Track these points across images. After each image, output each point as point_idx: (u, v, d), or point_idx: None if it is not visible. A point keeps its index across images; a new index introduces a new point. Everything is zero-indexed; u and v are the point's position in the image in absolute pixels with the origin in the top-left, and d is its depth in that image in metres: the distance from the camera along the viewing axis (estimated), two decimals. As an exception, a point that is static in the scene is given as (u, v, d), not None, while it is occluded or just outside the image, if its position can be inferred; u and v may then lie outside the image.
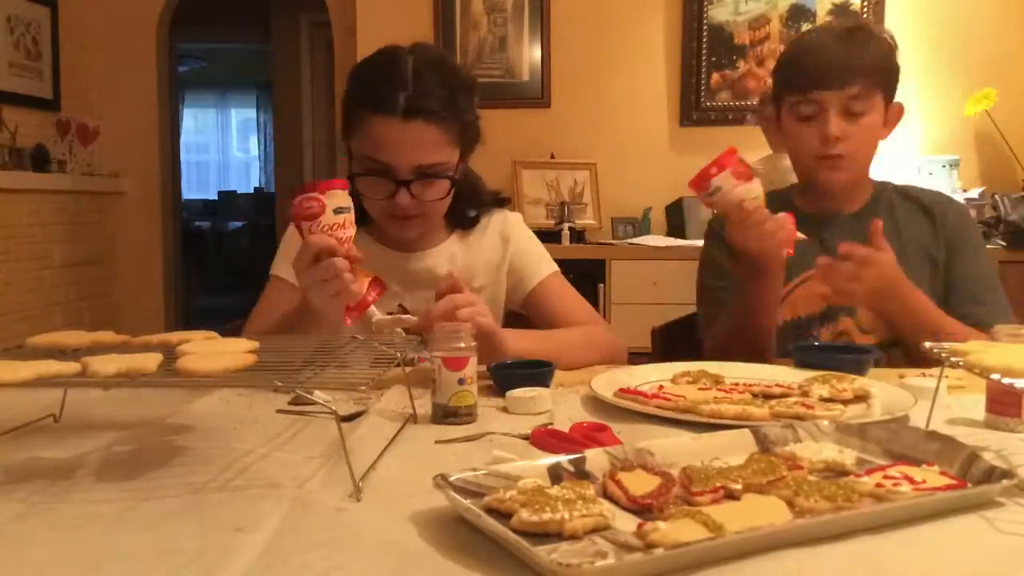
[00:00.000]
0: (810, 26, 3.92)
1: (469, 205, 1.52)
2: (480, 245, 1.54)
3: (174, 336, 0.94)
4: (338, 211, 1.15)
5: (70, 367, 0.78)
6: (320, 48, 5.84)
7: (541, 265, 1.58)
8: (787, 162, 1.67)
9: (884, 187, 1.60)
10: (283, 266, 1.49)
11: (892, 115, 1.53)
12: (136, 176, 4.64)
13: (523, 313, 1.59)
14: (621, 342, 1.51)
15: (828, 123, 1.46)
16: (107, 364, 0.78)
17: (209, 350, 0.87)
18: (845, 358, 1.26)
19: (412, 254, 1.50)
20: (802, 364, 1.26)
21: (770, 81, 1.63)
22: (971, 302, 1.49)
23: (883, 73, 1.49)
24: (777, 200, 1.62)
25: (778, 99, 1.56)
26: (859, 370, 1.22)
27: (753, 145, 3.52)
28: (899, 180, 1.69)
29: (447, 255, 1.51)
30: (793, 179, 1.68)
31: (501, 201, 1.58)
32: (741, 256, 1.37)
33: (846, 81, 1.45)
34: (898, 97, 1.53)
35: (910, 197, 1.60)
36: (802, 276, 1.52)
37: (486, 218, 1.56)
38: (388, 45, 1.43)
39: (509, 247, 1.55)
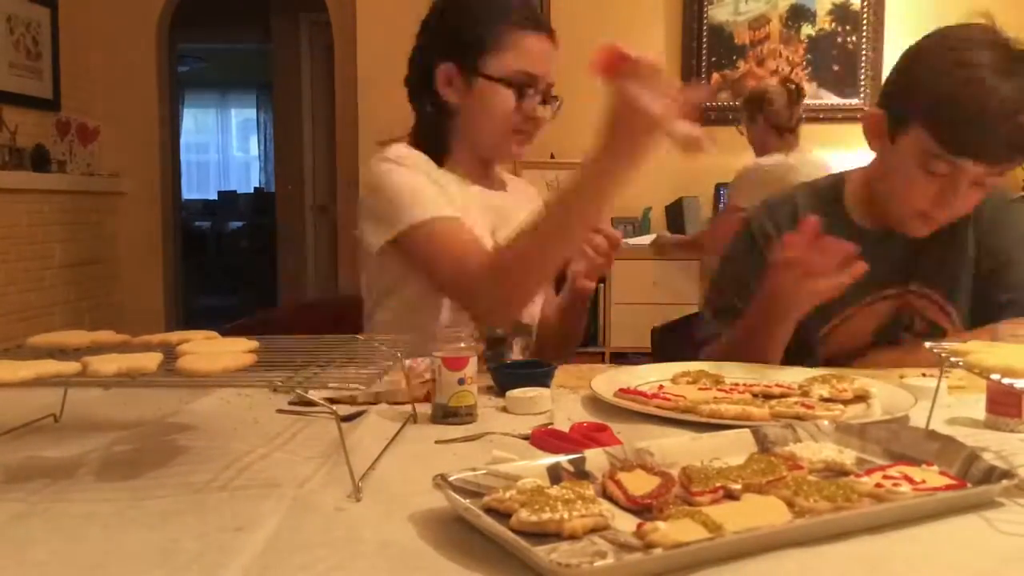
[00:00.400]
0: (816, 28, 3.88)
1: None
2: (531, 191, 1.68)
3: (174, 336, 0.94)
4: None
5: (70, 367, 0.78)
6: (320, 48, 5.84)
7: None
8: (815, 157, 1.55)
9: None
10: (433, 207, 1.36)
11: None
12: (136, 176, 4.64)
13: None
14: None
15: (956, 192, 1.26)
16: (107, 364, 0.78)
17: (209, 350, 0.87)
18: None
19: (497, 192, 1.56)
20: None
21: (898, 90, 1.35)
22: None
23: None
24: (823, 201, 1.45)
25: (902, 120, 1.30)
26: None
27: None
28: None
29: (524, 193, 1.63)
30: (819, 173, 1.57)
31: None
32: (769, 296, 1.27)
33: (1000, 162, 1.25)
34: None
35: None
36: (845, 313, 1.41)
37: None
38: None
39: None
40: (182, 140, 5.24)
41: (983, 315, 1.37)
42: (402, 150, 1.43)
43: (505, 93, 1.42)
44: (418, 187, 1.37)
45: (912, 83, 1.30)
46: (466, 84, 1.43)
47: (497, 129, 1.46)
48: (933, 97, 1.25)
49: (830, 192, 1.48)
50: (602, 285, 3.63)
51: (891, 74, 1.37)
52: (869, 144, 1.40)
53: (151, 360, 0.81)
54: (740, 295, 1.42)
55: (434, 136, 1.47)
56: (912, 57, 1.34)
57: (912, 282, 1.41)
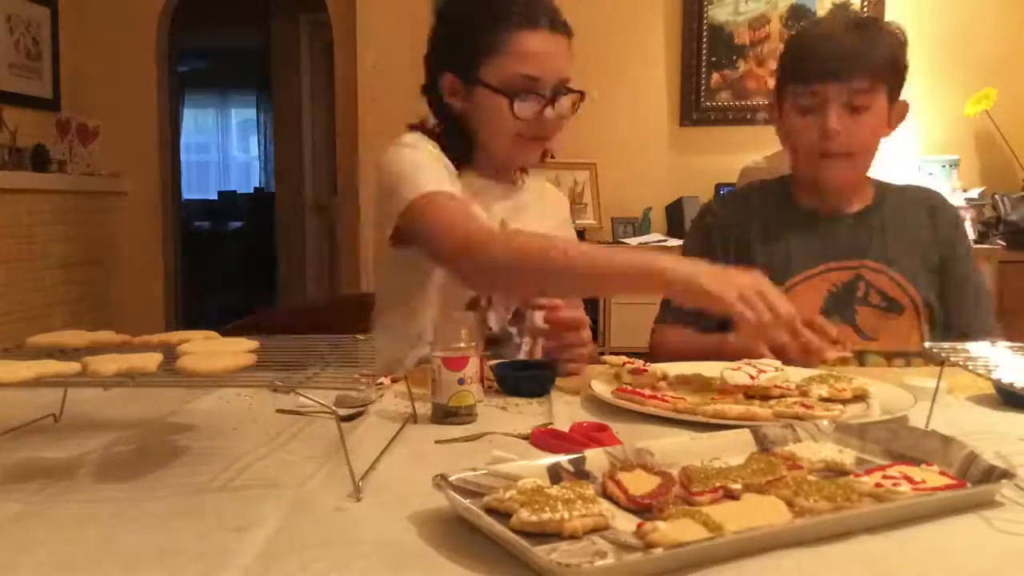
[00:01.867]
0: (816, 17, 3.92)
1: None
2: (554, 197, 1.64)
3: (174, 336, 0.94)
4: None
5: (70, 367, 0.78)
6: (320, 48, 5.84)
7: None
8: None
9: (885, 188, 1.58)
10: (434, 183, 1.34)
11: (896, 113, 1.49)
12: (136, 176, 4.64)
13: None
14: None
15: (828, 116, 1.42)
16: (107, 364, 0.78)
17: (209, 350, 0.87)
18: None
19: (514, 186, 1.54)
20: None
21: (775, 72, 1.59)
22: (973, 306, 1.51)
23: (889, 69, 1.44)
24: (773, 190, 1.61)
25: (780, 90, 1.52)
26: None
27: (754, 144, 3.51)
28: (899, 180, 1.68)
29: (539, 190, 1.59)
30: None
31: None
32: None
33: (851, 74, 1.41)
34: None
35: (910, 197, 1.58)
36: (803, 275, 1.50)
37: (542, 176, 1.62)
38: None
39: (563, 221, 1.62)
40: (182, 140, 5.22)
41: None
42: (415, 137, 1.42)
43: (500, 100, 1.37)
44: (420, 164, 1.35)
45: (779, 58, 1.56)
46: (467, 93, 1.41)
47: (500, 137, 1.42)
48: (787, 53, 1.53)
49: (779, 184, 1.62)
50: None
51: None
52: (780, 138, 1.59)
53: (151, 360, 0.81)
54: None
55: (453, 142, 1.44)
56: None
57: (868, 258, 1.50)
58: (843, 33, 1.44)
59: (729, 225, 1.58)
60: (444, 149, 1.42)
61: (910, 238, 1.52)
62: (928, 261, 1.52)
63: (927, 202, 1.57)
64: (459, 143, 1.44)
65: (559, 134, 1.46)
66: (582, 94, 1.43)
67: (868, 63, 1.42)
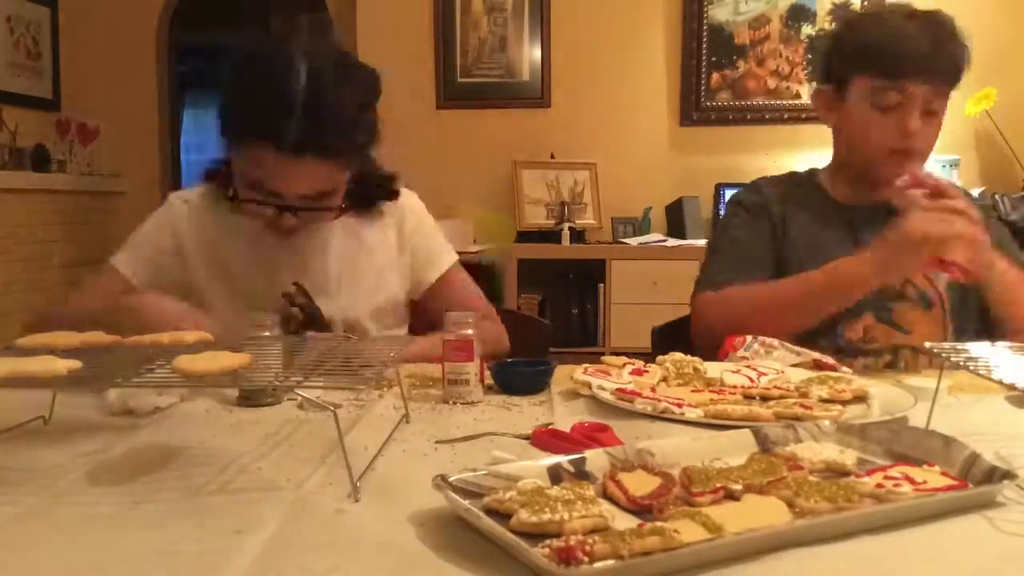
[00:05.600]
0: (816, 28, 3.91)
1: (362, 198, 1.46)
2: (379, 223, 1.50)
3: (165, 337, 0.93)
4: None
5: (42, 366, 0.78)
6: (320, 48, 5.84)
7: (444, 255, 1.55)
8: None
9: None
10: (124, 260, 1.49)
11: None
12: (136, 176, 4.64)
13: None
14: (504, 332, 1.51)
15: (911, 116, 1.40)
16: (196, 364, 0.79)
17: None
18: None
19: (359, 220, 1.48)
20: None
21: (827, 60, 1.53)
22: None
23: (959, 76, 1.43)
24: (801, 184, 1.58)
25: (844, 80, 1.47)
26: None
27: (753, 145, 3.52)
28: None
29: (341, 228, 1.46)
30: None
31: (393, 194, 1.50)
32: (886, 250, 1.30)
33: (936, 76, 1.40)
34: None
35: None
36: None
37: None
38: (273, 43, 1.31)
39: (411, 232, 1.52)
40: (182, 140, 5.22)
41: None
42: (176, 199, 1.53)
43: (247, 202, 1.32)
44: (136, 239, 1.52)
45: (842, 46, 1.49)
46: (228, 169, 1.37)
47: (253, 222, 1.37)
48: (862, 44, 1.45)
49: (806, 176, 1.60)
50: (602, 285, 3.62)
51: (822, 54, 1.56)
52: (826, 121, 1.54)
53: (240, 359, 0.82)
54: (754, 260, 1.50)
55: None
56: (834, 32, 1.58)
57: None
58: (922, 33, 1.40)
59: (774, 206, 1.54)
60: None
61: None
62: None
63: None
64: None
65: (320, 224, 1.41)
66: (340, 208, 1.38)
67: (948, 66, 1.40)
